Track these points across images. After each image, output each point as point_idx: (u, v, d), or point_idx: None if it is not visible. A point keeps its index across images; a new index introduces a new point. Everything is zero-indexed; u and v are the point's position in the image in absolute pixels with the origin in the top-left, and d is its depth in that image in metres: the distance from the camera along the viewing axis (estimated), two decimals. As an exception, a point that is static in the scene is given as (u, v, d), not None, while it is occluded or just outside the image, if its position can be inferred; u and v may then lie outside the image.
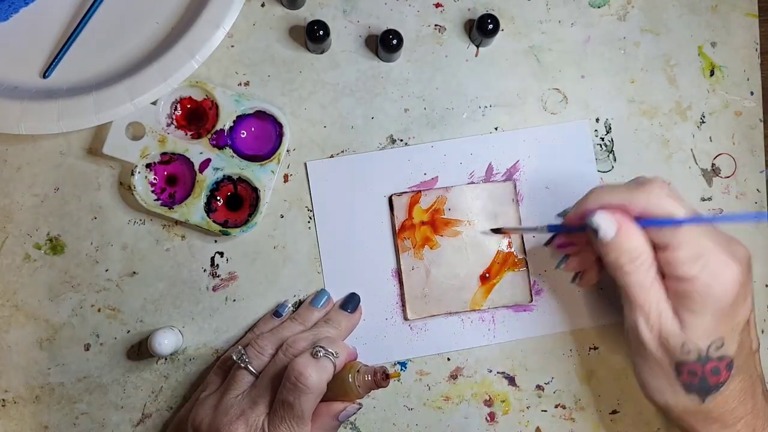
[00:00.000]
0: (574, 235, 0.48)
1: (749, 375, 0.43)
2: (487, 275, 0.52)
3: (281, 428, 0.44)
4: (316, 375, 0.43)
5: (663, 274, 0.42)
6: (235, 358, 0.47)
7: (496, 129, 0.54)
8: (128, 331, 0.52)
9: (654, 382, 0.44)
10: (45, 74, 0.51)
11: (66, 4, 0.52)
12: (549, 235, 0.50)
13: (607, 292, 0.53)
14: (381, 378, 0.45)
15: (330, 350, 0.45)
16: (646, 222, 0.41)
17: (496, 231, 0.52)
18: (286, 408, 0.44)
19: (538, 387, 0.53)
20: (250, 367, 0.47)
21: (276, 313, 0.51)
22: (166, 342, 0.49)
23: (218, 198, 0.52)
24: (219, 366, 0.50)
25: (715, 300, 0.40)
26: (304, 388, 0.43)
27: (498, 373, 0.53)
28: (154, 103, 0.51)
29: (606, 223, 0.41)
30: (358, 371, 0.45)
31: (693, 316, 0.41)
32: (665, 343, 0.42)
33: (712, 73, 0.54)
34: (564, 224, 0.47)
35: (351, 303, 0.51)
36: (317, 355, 0.44)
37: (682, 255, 0.40)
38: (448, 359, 0.53)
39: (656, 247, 0.42)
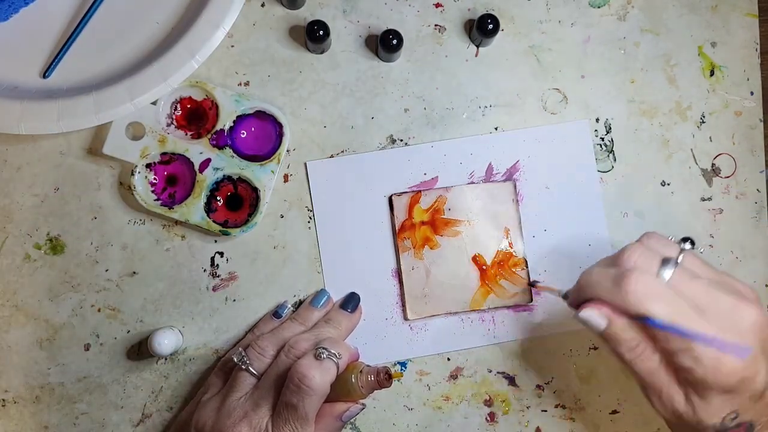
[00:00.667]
0: None
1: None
2: (487, 276, 0.52)
3: (285, 430, 0.44)
4: (319, 377, 0.43)
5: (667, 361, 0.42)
6: (236, 360, 0.47)
7: (496, 129, 0.54)
8: (128, 331, 0.52)
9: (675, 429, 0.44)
10: (45, 74, 0.51)
11: (66, 4, 0.52)
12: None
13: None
14: (384, 378, 0.45)
15: (333, 351, 0.45)
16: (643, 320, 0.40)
17: (531, 284, 0.52)
18: (290, 410, 0.43)
19: (538, 387, 0.53)
20: (252, 369, 0.47)
21: (276, 314, 0.51)
22: (166, 342, 0.49)
23: (218, 198, 0.52)
24: (220, 368, 0.50)
25: (717, 387, 0.39)
26: (307, 390, 0.43)
27: (498, 373, 0.53)
28: (154, 103, 0.51)
29: (593, 319, 0.41)
30: (360, 372, 0.45)
31: (701, 401, 0.40)
32: (680, 419, 0.42)
33: (712, 73, 0.54)
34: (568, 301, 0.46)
35: (351, 303, 0.51)
36: (320, 356, 0.44)
37: (671, 347, 0.39)
38: (448, 359, 0.53)
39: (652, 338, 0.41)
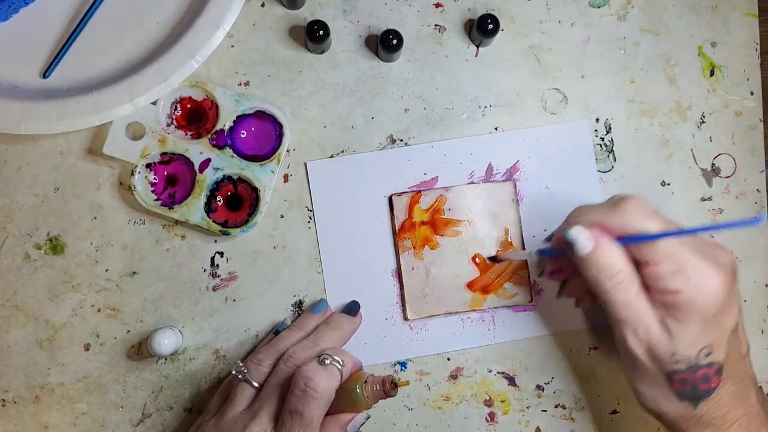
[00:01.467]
0: (562, 260, 0.47)
1: (740, 379, 0.43)
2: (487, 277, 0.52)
3: None
4: (325, 381, 0.43)
5: (647, 287, 0.42)
6: (234, 372, 0.47)
7: (496, 129, 0.54)
8: (128, 331, 0.52)
9: (647, 390, 0.44)
10: (45, 74, 0.51)
11: (66, 4, 0.52)
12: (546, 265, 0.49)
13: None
14: (390, 387, 0.45)
15: (336, 358, 0.45)
16: (624, 240, 0.41)
17: (492, 259, 0.52)
18: (295, 417, 0.43)
19: (538, 387, 0.53)
20: (250, 379, 0.47)
21: (276, 332, 0.51)
22: (166, 342, 0.49)
23: (218, 198, 0.52)
24: (221, 390, 0.50)
25: (701, 310, 0.40)
26: (313, 394, 0.43)
27: (498, 373, 0.53)
28: (154, 103, 0.51)
29: (582, 238, 0.41)
30: (365, 381, 0.45)
31: (680, 327, 0.41)
32: (655, 354, 0.42)
33: (712, 73, 0.54)
34: (552, 247, 0.47)
35: (352, 309, 0.51)
36: (324, 362, 0.44)
37: (663, 269, 0.40)
38: (448, 359, 0.53)
39: (638, 264, 0.42)
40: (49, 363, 0.52)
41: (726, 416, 0.42)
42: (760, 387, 0.45)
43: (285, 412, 0.43)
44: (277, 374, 0.46)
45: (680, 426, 0.43)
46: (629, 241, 0.41)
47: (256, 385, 0.46)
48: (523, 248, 0.53)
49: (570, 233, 0.41)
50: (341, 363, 0.45)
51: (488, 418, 0.53)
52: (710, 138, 0.54)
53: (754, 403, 0.43)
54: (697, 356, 0.41)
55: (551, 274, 0.48)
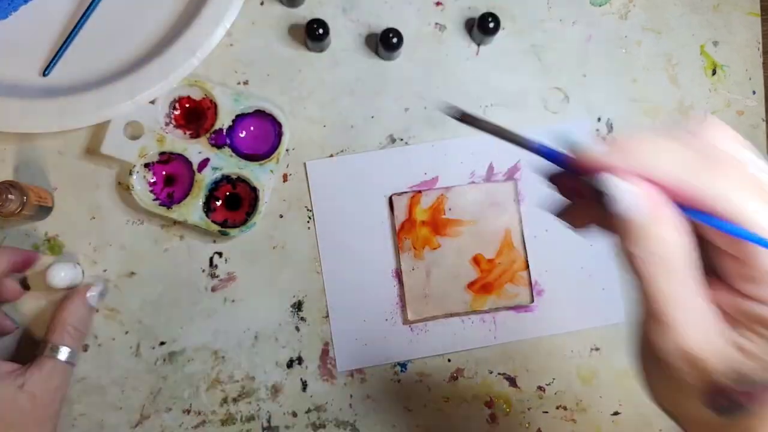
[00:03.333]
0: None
1: None
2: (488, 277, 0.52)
3: None
4: None
5: (719, 281, 0.30)
6: None
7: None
8: (126, 332, 0.52)
9: (665, 391, 0.33)
10: (45, 72, 0.51)
11: (66, 1, 0.52)
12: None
13: (609, 292, 0.53)
14: None
15: None
16: (711, 221, 0.27)
17: (461, 117, 0.32)
18: None
19: (539, 388, 0.53)
20: None
21: None
22: (62, 275, 0.49)
23: (217, 198, 0.52)
24: None
25: None
26: None
27: (499, 374, 0.53)
28: (152, 103, 0.51)
29: (633, 200, 0.27)
30: None
31: (751, 343, 0.29)
32: (700, 364, 0.30)
33: (714, 73, 0.54)
34: (566, 157, 0.29)
35: None
36: None
37: (755, 271, 0.28)
38: (449, 360, 0.53)
39: (716, 251, 0.29)
40: (46, 364, 0.52)
41: (757, 430, 0.31)
42: None
43: None
44: None
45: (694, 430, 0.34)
46: (724, 228, 0.27)
47: None
48: (524, 249, 0.52)
49: (611, 184, 0.27)
50: None
51: (489, 420, 0.53)
52: (712, 137, 0.54)
53: None
54: (763, 377, 0.30)
55: (559, 188, 0.33)
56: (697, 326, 0.29)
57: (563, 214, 0.34)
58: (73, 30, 0.51)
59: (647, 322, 0.30)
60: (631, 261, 0.28)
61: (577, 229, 0.34)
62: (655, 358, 0.31)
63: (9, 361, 0.45)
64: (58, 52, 0.51)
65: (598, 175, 0.27)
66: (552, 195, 0.33)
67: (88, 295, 0.47)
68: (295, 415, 0.52)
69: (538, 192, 0.53)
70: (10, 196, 0.46)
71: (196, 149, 0.51)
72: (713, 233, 0.28)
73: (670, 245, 0.27)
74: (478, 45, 0.53)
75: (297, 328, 0.52)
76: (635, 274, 0.29)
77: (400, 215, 0.52)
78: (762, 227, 0.26)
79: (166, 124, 0.52)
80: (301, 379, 0.52)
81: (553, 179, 0.33)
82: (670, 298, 0.28)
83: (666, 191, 0.27)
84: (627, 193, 0.27)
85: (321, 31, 0.50)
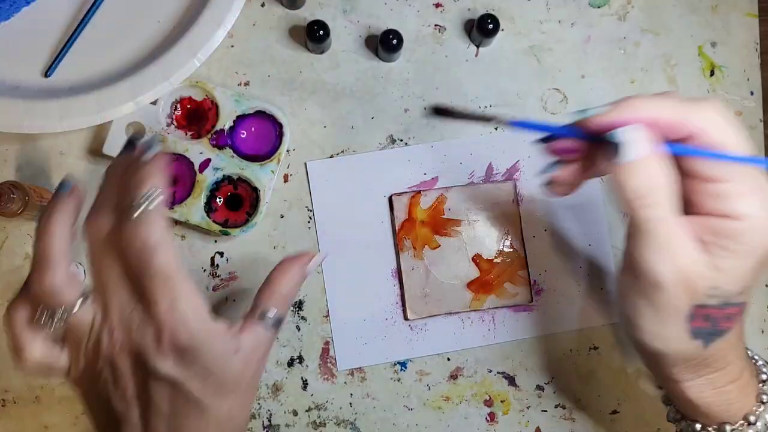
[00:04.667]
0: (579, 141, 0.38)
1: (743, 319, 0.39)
2: (487, 276, 0.52)
3: None
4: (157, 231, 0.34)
5: (694, 205, 0.36)
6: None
7: (496, 129, 0.54)
8: (128, 331, 0.52)
9: (655, 327, 0.37)
10: (47, 73, 0.51)
11: (67, 3, 0.52)
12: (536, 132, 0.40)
13: (608, 292, 0.53)
14: None
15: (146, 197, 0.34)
16: (687, 151, 0.34)
17: (439, 111, 0.38)
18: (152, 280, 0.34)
19: (538, 387, 0.53)
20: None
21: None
22: None
23: (218, 198, 0.52)
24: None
25: (764, 246, 0.34)
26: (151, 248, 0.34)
27: (498, 373, 0.53)
28: (154, 103, 0.51)
29: (639, 142, 0.33)
30: None
31: (733, 259, 0.35)
32: (689, 282, 0.35)
33: (712, 73, 0.54)
34: (561, 126, 0.38)
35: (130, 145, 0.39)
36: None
37: (736, 189, 0.34)
38: (448, 359, 0.53)
39: (693, 175, 0.35)
40: (49, 362, 0.52)
41: (726, 356, 0.38)
42: None
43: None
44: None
45: (677, 368, 0.39)
46: (698, 153, 0.34)
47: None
48: (523, 248, 0.53)
49: (620, 135, 0.34)
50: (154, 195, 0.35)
51: (488, 418, 0.53)
52: (710, 138, 0.54)
53: (744, 341, 0.41)
54: (736, 293, 0.35)
55: (556, 151, 0.39)
56: (686, 248, 0.35)
57: (556, 176, 0.40)
58: (75, 31, 0.51)
59: (641, 249, 0.36)
60: (631, 198, 0.34)
61: (561, 190, 0.41)
62: (645, 288, 0.36)
63: (221, 318, 0.38)
64: (60, 53, 0.51)
65: (612, 132, 0.34)
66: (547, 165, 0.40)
67: (310, 264, 0.41)
68: (295, 413, 0.52)
69: (537, 192, 0.53)
70: (12, 196, 0.46)
71: (197, 150, 0.51)
72: (694, 162, 0.35)
73: (661, 177, 0.34)
74: (478, 46, 0.54)
75: (297, 327, 0.52)
76: (630, 205, 0.35)
77: (400, 215, 0.53)
78: (730, 145, 0.34)
79: (168, 125, 0.52)
80: (302, 378, 0.52)
81: (558, 151, 0.39)
82: (661, 218, 0.34)
83: (659, 131, 0.34)
84: (636, 136, 0.33)
85: (321, 32, 0.50)
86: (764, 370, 0.41)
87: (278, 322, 0.40)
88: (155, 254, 0.34)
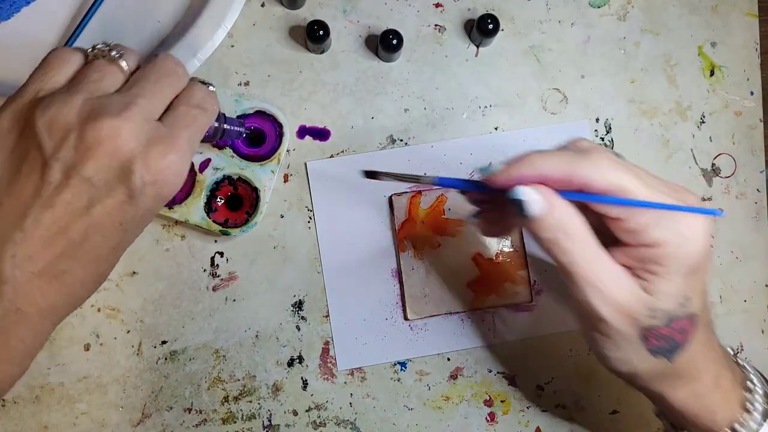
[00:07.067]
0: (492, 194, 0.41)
1: (706, 324, 0.40)
2: (487, 276, 0.52)
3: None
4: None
5: (613, 242, 0.38)
6: (97, 48, 0.39)
7: (496, 129, 0.54)
8: (128, 331, 0.52)
9: (617, 354, 0.39)
10: (45, 74, 0.51)
11: (68, 3, 0.52)
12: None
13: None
14: None
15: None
16: (594, 198, 0.37)
17: (370, 175, 0.42)
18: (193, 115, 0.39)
19: (538, 387, 0.53)
20: (123, 63, 0.38)
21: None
22: None
23: (218, 198, 0.52)
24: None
25: (685, 260, 0.37)
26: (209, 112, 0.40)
27: (498, 373, 0.53)
28: (154, 103, 0.51)
29: (534, 199, 0.36)
30: None
31: (662, 281, 0.37)
32: (628, 313, 0.37)
33: (712, 73, 0.54)
34: (474, 181, 0.41)
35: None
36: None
37: (643, 221, 0.36)
38: (448, 359, 0.53)
39: (602, 217, 0.38)
40: (49, 363, 0.52)
41: (697, 364, 0.40)
42: None
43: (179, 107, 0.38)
44: (156, 66, 0.39)
45: (653, 384, 0.41)
46: (601, 200, 0.36)
47: (126, 68, 0.39)
48: (523, 248, 0.53)
49: (517, 193, 0.36)
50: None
51: (488, 418, 0.53)
52: (710, 138, 0.54)
53: (718, 348, 0.41)
54: (676, 309, 0.37)
55: (474, 201, 0.43)
56: (615, 280, 0.37)
57: (482, 223, 0.43)
58: (75, 31, 0.51)
59: (575, 291, 0.38)
60: (548, 247, 0.37)
61: (492, 233, 0.45)
62: (593, 323, 0.39)
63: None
64: (59, 53, 0.51)
65: (510, 190, 0.36)
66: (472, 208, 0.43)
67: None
68: (295, 413, 0.52)
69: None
70: None
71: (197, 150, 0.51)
72: (597, 206, 0.37)
73: (570, 222, 0.36)
74: (478, 46, 0.54)
75: (297, 327, 0.52)
76: (551, 252, 0.37)
77: (400, 215, 0.53)
78: (628, 189, 0.36)
79: (168, 125, 0.52)
80: (302, 378, 0.52)
81: (476, 201, 0.43)
82: (582, 261, 0.37)
83: (556, 185, 0.36)
84: (530, 194, 0.36)
85: (321, 32, 0.50)
86: (751, 377, 0.42)
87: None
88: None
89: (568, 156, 0.37)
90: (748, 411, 0.40)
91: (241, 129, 0.49)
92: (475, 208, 0.43)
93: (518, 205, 0.36)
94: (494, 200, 0.42)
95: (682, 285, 0.37)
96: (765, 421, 0.40)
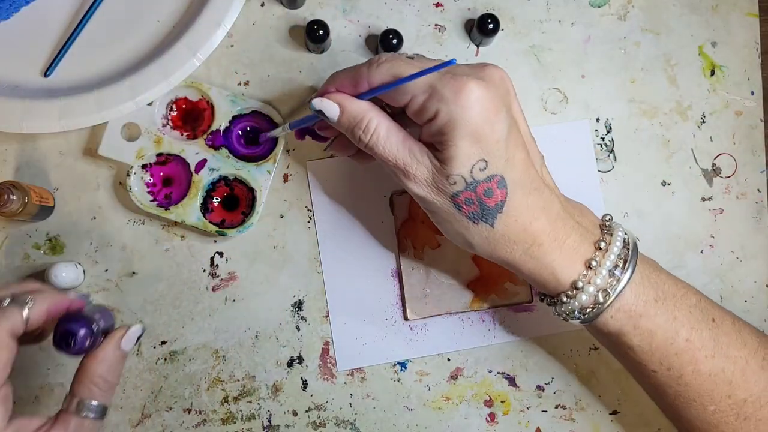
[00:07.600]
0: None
1: (534, 188, 0.42)
2: (487, 276, 0.52)
3: None
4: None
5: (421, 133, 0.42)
6: None
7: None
8: (128, 331, 0.52)
9: (449, 228, 0.43)
10: (46, 73, 0.51)
11: (67, 2, 0.52)
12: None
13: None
14: None
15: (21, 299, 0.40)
16: (374, 91, 0.42)
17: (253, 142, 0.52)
18: None
19: (539, 387, 0.53)
20: None
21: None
22: (64, 275, 0.49)
23: (215, 198, 0.52)
24: None
25: (462, 124, 0.39)
26: None
27: (498, 373, 0.53)
28: (149, 104, 0.51)
29: (327, 105, 0.42)
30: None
31: (448, 149, 0.40)
32: (435, 185, 0.41)
33: (712, 73, 0.54)
34: (305, 117, 0.47)
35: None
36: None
37: (418, 100, 0.40)
38: (448, 359, 0.53)
39: (405, 111, 0.42)
40: (48, 363, 0.52)
41: (529, 229, 0.42)
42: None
43: None
44: None
45: (495, 253, 0.43)
46: (376, 92, 0.41)
47: None
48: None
49: (313, 104, 0.43)
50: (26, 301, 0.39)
51: (488, 419, 0.53)
52: (711, 138, 0.54)
53: (563, 213, 0.43)
54: (472, 172, 0.40)
55: (320, 129, 0.47)
56: (416, 158, 0.41)
57: (332, 147, 0.48)
58: (74, 31, 0.51)
59: (396, 179, 0.43)
60: (357, 142, 0.43)
61: (347, 154, 0.48)
62: (425, 205, 0.43)
63: (34, 417, 0.41)
64: (59, 52, 0.51)
65: (310, 103, 0.43)
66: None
67: (123, 340, 0.41)
68: (295, 414, 0.52)
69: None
70: (11, 196, 0.46)
71: (193, 150, 0.51)
72: (394, 100, 0.42)
73: (364, 115, 0.42)
74: (478, 46, 0.54)
75: (297, 328, 0.52)
76: (366, 149, 0.43)
77: (401, 215, 0.52)
78: (401, 73, 0.40)
79: (164, 126, 0.52)
80: (302, 378, 0.52)
81: (321, 129, 0.47)
82: (384, 146, 0.42)
83: (351, 91, 0.43)
84: (321, 103, 0.42)
85: (321, 32, 0.50)
86: (607, 237, 0.43)
87: (100, 411, 0.41)
88: None
89: (355, 67, 0.42)
90: (590, 267, 0.42)
91: (113, 321, 0.44)
92: (329, 138, 0.48)
93: (321, 114, 0.43)
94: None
95: (471, 149, 0.40)
96: (613, 276, 0.42)
